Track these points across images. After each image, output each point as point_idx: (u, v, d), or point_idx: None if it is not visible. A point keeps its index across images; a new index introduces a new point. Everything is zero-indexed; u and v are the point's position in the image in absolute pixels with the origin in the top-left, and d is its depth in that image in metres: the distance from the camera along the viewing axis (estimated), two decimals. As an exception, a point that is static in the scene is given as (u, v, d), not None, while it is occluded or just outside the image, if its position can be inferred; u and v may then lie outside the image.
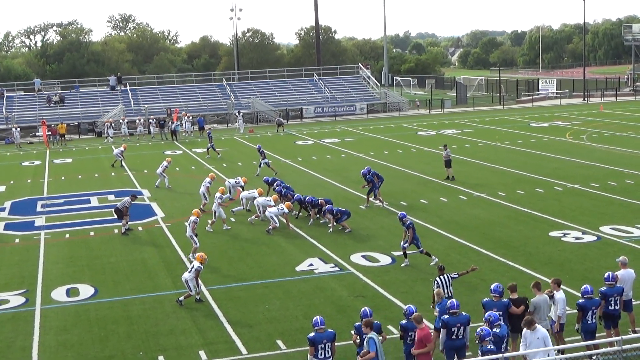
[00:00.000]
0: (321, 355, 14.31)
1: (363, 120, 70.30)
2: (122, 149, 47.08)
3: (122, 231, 28.99)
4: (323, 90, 78.39)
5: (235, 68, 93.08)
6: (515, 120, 63.69)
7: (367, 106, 74.90)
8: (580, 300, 15.60)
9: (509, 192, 33.05)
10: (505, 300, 15.55)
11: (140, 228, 29.80)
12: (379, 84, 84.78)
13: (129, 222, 29.27)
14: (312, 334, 14.47)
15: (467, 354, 15.12)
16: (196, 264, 20.75)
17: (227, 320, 19.27)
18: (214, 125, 69.31)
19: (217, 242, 27.05)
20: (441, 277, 17.62)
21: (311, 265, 23.76)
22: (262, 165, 40.25)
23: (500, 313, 15.13)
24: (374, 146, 50.13)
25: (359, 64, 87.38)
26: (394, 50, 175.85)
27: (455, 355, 14.93)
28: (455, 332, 14.80)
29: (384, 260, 23.97)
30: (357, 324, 14.99)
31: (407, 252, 23.27)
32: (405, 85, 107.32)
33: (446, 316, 14.96)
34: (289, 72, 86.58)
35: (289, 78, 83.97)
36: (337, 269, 23.30)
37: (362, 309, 15.23)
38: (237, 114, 65.46)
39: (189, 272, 20.76)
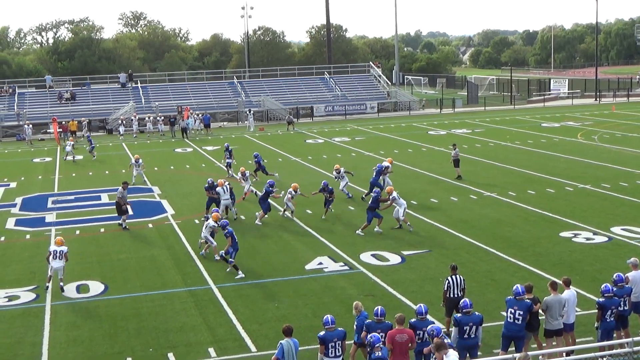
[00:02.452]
0: (332, 354, 14.30)
1: (373, 119, 70.26)
2: (72, 142, 49.33)
3: (123, 226, 29.17)
4: (334, 88, 78.36)
5: (246, 66, 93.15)
6: (526, 120, 63.53)
7: (377, 105, 74.85)
8: (601, 299, 15.52)
9: (519, 192, 32.97)
10: (527, 300, 15.43)
11: (150, 225, 29.85)
12: (389, 83, 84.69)
13: (126, 219, 29.63)
14: (322, 333, 14.45)
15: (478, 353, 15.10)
16: (211, 222, 23.62)
17: (237, 317, 19.28)
18: (225, 123, 69.41)
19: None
20: (453, 277, 17.47)
21: (321, 263, 23.76)
22: (229, 165, 40.01)
23: (521, 313, 15.08)
24: (384, 145, 50.10)
25: (370, 63, 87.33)
26: (405, 49, 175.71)
27: (468, 355, 14.89)
28: (468, 332, 14.75)
29: (394, 259, 23.93)
30: (367, 321, 14.96)
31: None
32: (416, 84, 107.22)
33: (459, 315, 14.92)
34: (300, 71, 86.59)
35: (299, 76, 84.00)
36: (346, 267, 23.29)
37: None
38: (247, 112, 65.51)
39: (205, 228, 23.83)
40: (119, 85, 76.82)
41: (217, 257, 24.03)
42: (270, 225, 28.95)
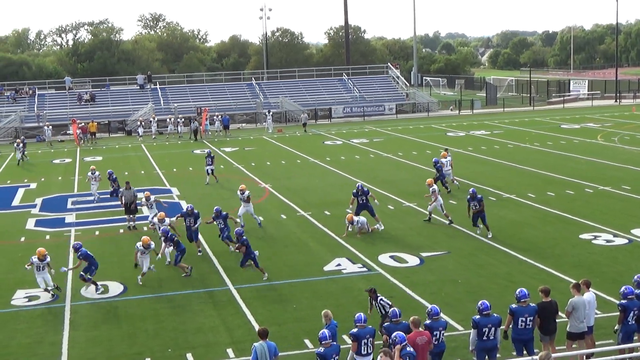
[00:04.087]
0: (364, 351, 14.31)
1: (392, 120, 70.15)
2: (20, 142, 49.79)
3: (133, 225, 29.44)
4: (352, 90, 78.31)
5: (265, 67, 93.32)
6: (545, 121, 63.21)
7: (396, 106, 74.71)
8: (623, 301, 15.39)
9: (538, 194, 32.80)
10: (533, 305, 15.34)
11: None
12: (408, 84, 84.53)
13: (135, 219, 30.04)
14: (355, 330, 14.45)
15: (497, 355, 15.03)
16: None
17: (255, 319, 19.30)
18: (243, 124, 69.55)
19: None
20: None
21: (339, 265, 23.74)
22: (209, 172, 38.86)
23: (531, 318, 15.01)
24: (402, 146, 50.01)
25: (388, 64, 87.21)
26: (424, 50, 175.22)
27: (487, 357, 14.83)
28: (486, 333, 14.69)
29: (412, 261, 23.88)
30: (386, 324, 14.94)
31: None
32: (434, 85, 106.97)
33: (477, 317, 14.86)
34: (318, 72, 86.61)
35: (318, 77, 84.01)
36: (365, 269, 23.26)
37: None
38: (266, 113, 65.60)
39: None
40: (138, 87, 77.18)
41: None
42: (288, 227, 28.97)
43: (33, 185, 40.58)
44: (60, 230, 29.91)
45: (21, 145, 49.29)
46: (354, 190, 28.75)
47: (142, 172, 43.84)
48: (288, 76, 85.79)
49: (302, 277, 22.69)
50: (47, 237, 29.09)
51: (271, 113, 65.48)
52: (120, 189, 30.96)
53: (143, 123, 62.20)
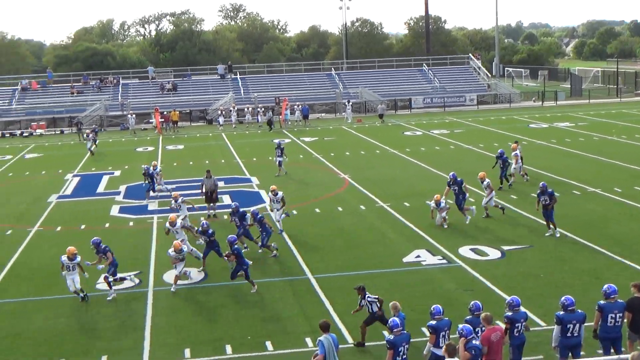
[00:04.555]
0: (442, 343, 14.16)
1: (473, 111, 69.20)
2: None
3: (209, 214, 29.67)
4: (432, 80, 77.58)
5: (344, 57, 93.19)
6: (633, 113, 61.38)
7: (477, 97, 73.68)
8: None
9: (625, 188, 31.85)
10: (621, 301, 14.87)
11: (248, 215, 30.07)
12: (489, 75, 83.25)
13: (216, 208, 30.17)
14: (433, 322, 14.33)
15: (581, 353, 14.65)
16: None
17: (334, 309, 19.28)
18: (323, 114, 69.63)
19: (323, 231, 27.11)
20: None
21: (418, 257, 23.53)
22: (278, 163, 38.59)
23: (620, 315, 14.56)
24: (483, 138, 49.26)
25: (470, 55, 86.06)
26: (506, 40, 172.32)
27: (570, 354, 14.45)
28: (570, 330, 14.32)
29: (494, 254, 23.48)
30: (468, 317, 14.72)
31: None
32: (516, 76, 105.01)
33: (561, 312, 14.49)
34: (398, 62, 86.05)
35: (397, 68, 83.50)
36: (444, 261, 22.98)
37: (473, 302, 14.98)
38: (345, 103, 65.53)
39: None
40: (219, 77, 78.04)
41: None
42: (368, 218, 28.85)
43: (117, 173, 41.44)
44: (143, 218, 30.45)
45: (91, 135, 49.78)
46: (448, 180, 28.33)
47: (223, 161, 44.31)
48: (368, 66, 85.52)
49: (381, 269, 22.56)
50: (131, 223, 29.65)
51: (350, 103, 65.37)
52: (201, 178, 31.24)
53: (223, 112, 62.94)
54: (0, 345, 18.02)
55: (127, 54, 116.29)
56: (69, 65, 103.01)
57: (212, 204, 30.13)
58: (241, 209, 25.27)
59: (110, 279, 20.92)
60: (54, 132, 64.63)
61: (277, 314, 19.07)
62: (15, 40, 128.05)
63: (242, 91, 74.03)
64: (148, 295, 21.03)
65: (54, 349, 17.57)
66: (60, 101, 71.47)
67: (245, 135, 56.42)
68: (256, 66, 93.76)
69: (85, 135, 51.26)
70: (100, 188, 37.34)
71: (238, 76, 78.55)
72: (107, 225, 29.55)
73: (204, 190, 30.04)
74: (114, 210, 32.05)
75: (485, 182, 27.80)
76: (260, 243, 24.45)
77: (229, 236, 22.02)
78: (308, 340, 17.34)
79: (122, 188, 36.74)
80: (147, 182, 33.69)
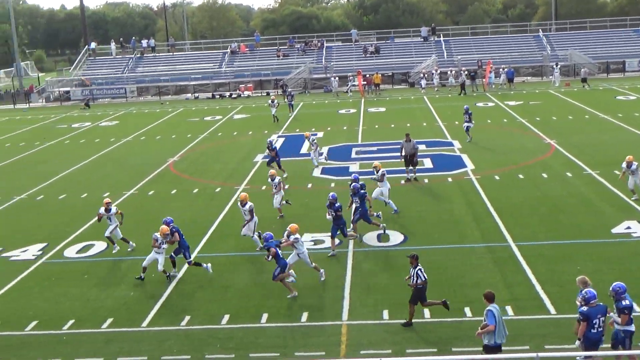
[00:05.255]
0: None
1: (693, 74, 64.37)
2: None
3: (414, 177, 29.49)
4: (649, 42, 72.80)
5: (552, 18, 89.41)
6: None
7: (700, 60, 68.34)
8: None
9: None
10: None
11: (449, 179, 29.78)
12: None
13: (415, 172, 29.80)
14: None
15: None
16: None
17: (536, 278, 18.67)
18: (528, 77, 67.40)
19: (527, 198, 26.27)
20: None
21: (629, 228, 22.24)
22: (466, 129, 36.72)
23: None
24: None
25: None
26: None
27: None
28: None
29: None
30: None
31: None
32: None
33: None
34: (612, 23, 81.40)
35: (611, 29, 79.02)
36: (658, 234, 21.62)
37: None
38: (553, 66, 62.96)
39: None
40: (422, 39, 77.39)
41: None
42: (574, 185, 27.65)
43: (320, 134, 42.24)
44: (344, 179, 30.85)
45: (275, 102, 48.70)
46: None
47: (424, 124, 44.02)
48: (578, 27, 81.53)
49: (588, 239, 21.57)
50: (332, 184, 30.15)
51: (559, 66, 62.70)
52: (401, 141, 30.99)
53: (426, 75, 62.44)
54: (213, 295, 18.98)
55: (331, 17, 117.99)
56: (276, 29, 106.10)
57: (411, 167, 30.00)
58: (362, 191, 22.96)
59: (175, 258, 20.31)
60: (260, 94, 66.96)
61: (477, 281, 18.70)
62: (225, 5, 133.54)
63: (445, 54, 73.01)
64: (348, 256, 21.31)
65: (259, 303, 18.23)
66: (266, 64, 73.85)
67: (447, 99, 55.67)
68: (460, 28, 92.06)
69: (270, 102, 49.26)
70: (304, 149, 38.22)
71: (441, 38, 77.53)
72: (309, 185, 30.24)
73: (403, 154, 29.92)
74: (316, 172, 32.70)
75: (634, 165, 25.41)
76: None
77: (266, 233, 19.47)
78: (508, 308, 16.91)
79: (325, 149, 37.39)
80: (271, 154, 32.08)
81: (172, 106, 61.78)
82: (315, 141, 33.88)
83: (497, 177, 29.09)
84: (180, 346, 16.07)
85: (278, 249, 18.52)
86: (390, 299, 17.93)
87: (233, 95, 66.78)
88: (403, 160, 29.91)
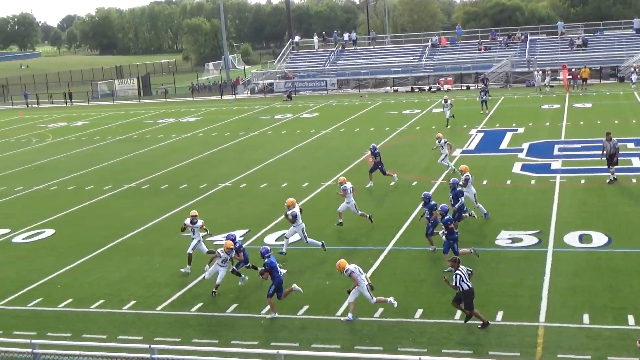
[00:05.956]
0: None
1: None
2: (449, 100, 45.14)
3: (614, 177, 27.99)
4: None
5: None
6: None
7: None
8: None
9: None
10: None
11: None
12: None
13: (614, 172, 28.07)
14: None
15: None
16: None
17: None
18: None
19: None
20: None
21: None
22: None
23: None
24: None
25: None
26: None
27: None
28: None
29: None
30: None
31: None
32: None
33: None
34: None
35: None
36: None
37: None
38: None
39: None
40: (634, 31, 73.32)
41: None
42: None
43: (521, 130, 41.13)
44: (545, 176, 29.85)
45: (449, 102, 44.85)
46: None
47: (634, 121, 41.70)
48: None
49: None
50: (532, 182, 29.25)
51: None
52: (603, 139, 29.38)
53: (637, 69, 59.19)
54: (407, 288, 18.92)
55: (536, 9, 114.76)
56: (477, 22, 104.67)
57: (610, 167, 28.43)
58: (432, 201, 21.69)
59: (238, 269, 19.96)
60: (460, 88, 66.18)
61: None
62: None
63: (658, 47, 68.90)
64: (547, 255, 20.57)
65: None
66: (467, 57, 72.86)
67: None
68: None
69: (444, 102, 45.25)
70: (504, 144, 37.38)
71: (655, 30, 73.22)
72: (508, 182, 29.51)
73: (604, 153, 28.45)
74: (516, 168, 31.86)
75: None
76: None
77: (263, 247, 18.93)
78: None
79: (525, 145, 36.36)
80: (375, 160, 30.09)
81: (371, 99, 62.45)
82: (448, 142, 31.91)
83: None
84: (373, 338, 16.18)
85: (276, 264, 17.99)
86: (592, 303, 17.11)
87: (432, 89, 66.47)
88: (605, 159, 28.45)
